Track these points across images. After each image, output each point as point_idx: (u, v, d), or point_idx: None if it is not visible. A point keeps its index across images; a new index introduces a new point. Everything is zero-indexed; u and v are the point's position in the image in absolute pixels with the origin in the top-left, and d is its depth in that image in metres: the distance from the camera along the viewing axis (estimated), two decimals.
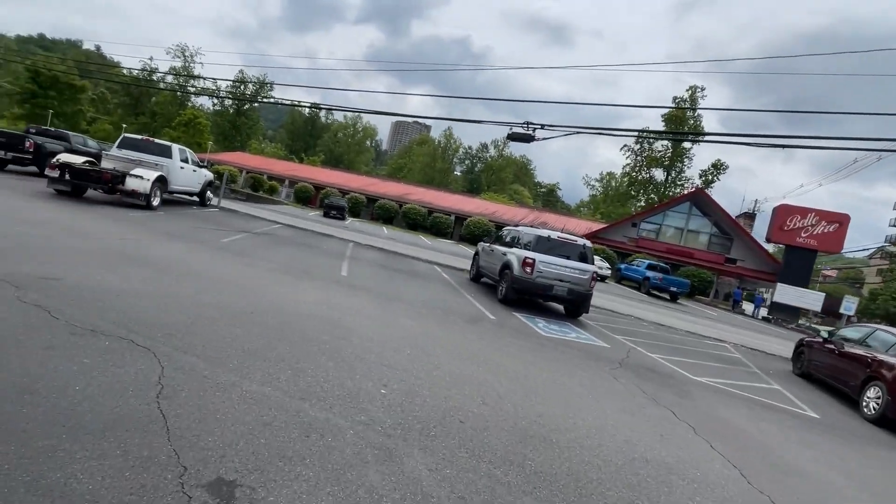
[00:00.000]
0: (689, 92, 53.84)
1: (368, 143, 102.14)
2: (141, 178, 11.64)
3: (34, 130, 16.48)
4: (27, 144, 14.27)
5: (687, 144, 56.50)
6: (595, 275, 9.23)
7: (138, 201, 11.71)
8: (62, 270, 4.71)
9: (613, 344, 7.80)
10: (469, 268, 13.12)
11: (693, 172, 58.12)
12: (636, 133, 38.93)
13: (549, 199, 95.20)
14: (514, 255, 9.33)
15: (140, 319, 3.80)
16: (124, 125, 41.47)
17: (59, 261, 5.10)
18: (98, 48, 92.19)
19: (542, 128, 12.85)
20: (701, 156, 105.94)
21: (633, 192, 61.43)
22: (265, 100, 67.32)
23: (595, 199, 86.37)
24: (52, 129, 16.98)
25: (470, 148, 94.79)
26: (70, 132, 17.40)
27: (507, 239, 10.49)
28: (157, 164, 12.67)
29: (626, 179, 62.70)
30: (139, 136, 13.67)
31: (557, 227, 38.73)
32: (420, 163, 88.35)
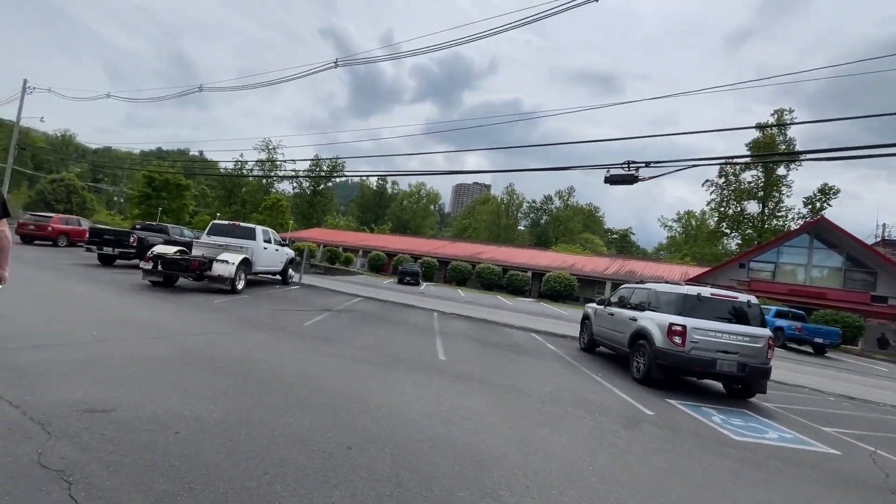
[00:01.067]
0: (776, 116, 49.19)
1: (432, 207, 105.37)
2: (226, 262, 11.50)
3: (139, 226, 17.77)
4: (131, 240, 15.16)
5: (782, 171, 50.74)
6: (771, 340, 6.89)
7: (224, 286, 11.50)
8: (118, 393, 3.71)
9: (839, 447, 5.34)
10: (578, 335, 11.08)
11: (793, 201, 51.59)
12: (753, 158, 35.04)
13: (622, 245, 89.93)
14: (652, 320, 7.33)
15: (198, 483, 2.52)
16: (218, 214, 45.81)
17: (120, 376, 4.16)
18: (201, 153, 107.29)
19: (646, 166, 11.15)
20: (800, 182, 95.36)
21: (725, 230, 55.40)
22: (339, 176, 72.47)
23: (675, 240, 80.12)
24: (155, 223, 18.29)
25: (534, 201, 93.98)
26: (169, 224, 18.63)
27: (632, 299, 8.51)
28: (241, 247, 12.64)
29: (714, 215, 56.96)
30: (226, 222, 13.96)
31: (647, 275, 35.02)
32: (484, 221, 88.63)
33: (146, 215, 47.05)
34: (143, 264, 11.00)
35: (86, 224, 21.68)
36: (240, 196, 77.02)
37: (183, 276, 11.10)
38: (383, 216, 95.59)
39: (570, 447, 4.01)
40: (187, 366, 4.80)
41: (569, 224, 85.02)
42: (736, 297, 7.15)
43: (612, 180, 11.53)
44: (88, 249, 15.47)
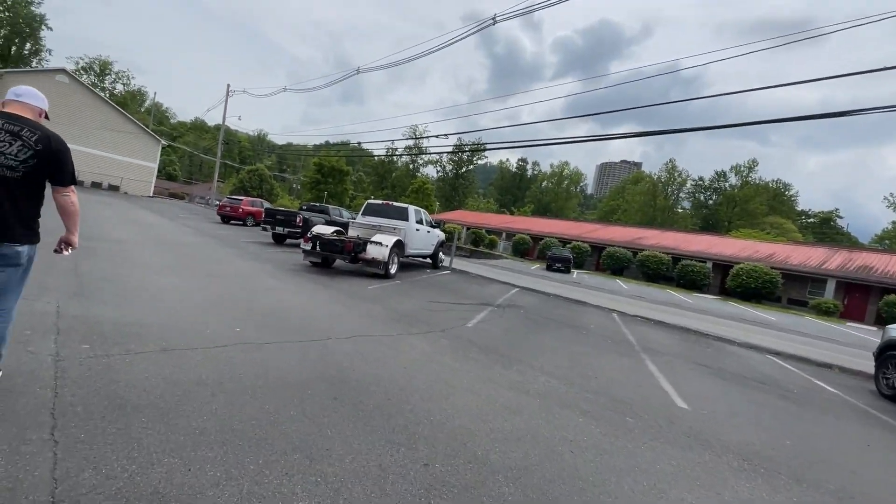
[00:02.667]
0: None
1: (575, 189, 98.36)
2: (380, 244, 10.55)
3: (305, 207, 18.67)
4: (297, 220, 15.73)
5: None
6: None
7: (377, 270, 10.60)
8: (218, 470, 2.18)
9: None
10: (874, 373, 7.12)
11: None
12: None
13: (822, 231, 70.69)
14: None
15: None
16: (371, 197, 48.97)
17: (237, 424, 2.72)
18: (359, 143, 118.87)
19: None
20: None
21: None
22: (480, 149, 71.94)
23: None
24: (318, 204, 19.07)
25: (700, 179, 79.99)
26: (330, 206, 19.25)
27: None
28: (395, 228, 11.69)
29: None
30: (380, 201, 13.24)
31: (894, 273, 25.18)
32: (637, 202, 79.04)
33: (317, 199, 53.02)
34: (303, 244, 10.71)
35: (266, 206, 24.21)
36: (390, 181, 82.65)
37: (339, 257, 10.47)
38: (523, 198, 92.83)
39: None
40: (329, 403, 3.24)
41: (748, 205, 70.12)
42: None
43: None
44: (264, 229, 16.63)
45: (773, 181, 75.33)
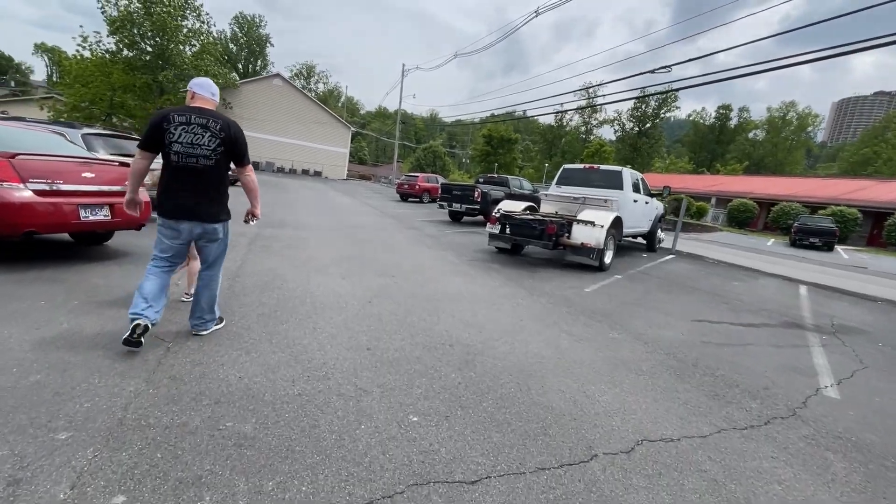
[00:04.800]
0: None
1: (800, 136, 74.95)
2: (592, 224, 7.53)
3: (482, 180, 16.69)
4: (475, 195, 13.75)
5: None
6: None
7: (588, 260, 7.63)
8: None
9: None
10: None
11: None
12: None
13: None
14: None
15: None
16: (547, 164, 45.20)
17: None
18: (524, 112, 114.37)
19: None
20: None
21: None
22: (670, 104, 60.84)
23: None
24: (495, 175, 16.89)
25: None
26: (509, 176, 16.87)
27: None
28: (605, 201, 8.45)
29: None
30: (581, 166, 10.08)
31: None
32: None
33: (487, 170, 52.06)
34: (489, 227, 8.45)
35: (441, 181, 23.34)
36: (560, 147, 76.62)
37: (536, 243, 7.84)
38: (723, 154, 75.39)
39: None
40: None
41: None
42: None
43: None
44: (441, 206, 15.24)
45: None
